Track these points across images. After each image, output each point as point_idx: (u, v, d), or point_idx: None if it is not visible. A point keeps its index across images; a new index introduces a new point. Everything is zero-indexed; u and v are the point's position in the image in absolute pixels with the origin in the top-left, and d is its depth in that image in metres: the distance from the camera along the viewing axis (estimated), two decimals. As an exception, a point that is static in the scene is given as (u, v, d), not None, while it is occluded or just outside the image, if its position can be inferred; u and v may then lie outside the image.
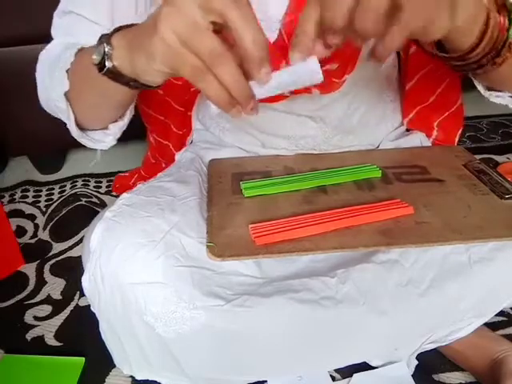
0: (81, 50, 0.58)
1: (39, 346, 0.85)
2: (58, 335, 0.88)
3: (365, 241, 0.56)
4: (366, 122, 0.75)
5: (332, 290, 0.64)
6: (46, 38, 1.13)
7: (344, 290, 0.64)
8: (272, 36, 0.62)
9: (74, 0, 0.66)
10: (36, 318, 0.92)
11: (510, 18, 0.48)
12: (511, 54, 0.49)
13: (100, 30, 0.57)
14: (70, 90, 0.58)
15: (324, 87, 0.64)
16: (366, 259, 0.65)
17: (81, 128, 0.64)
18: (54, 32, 0.70)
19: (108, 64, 0.48)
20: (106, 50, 0.48)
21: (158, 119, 0.81)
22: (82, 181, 1.33)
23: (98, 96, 0.57)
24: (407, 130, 0.83)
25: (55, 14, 0.69)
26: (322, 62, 0.62)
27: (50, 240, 1.12)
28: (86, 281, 0.64)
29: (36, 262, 1.05)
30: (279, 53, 0.61)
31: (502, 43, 0.49)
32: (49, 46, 0.67)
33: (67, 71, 0.57)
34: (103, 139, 0.66)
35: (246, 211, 0.63)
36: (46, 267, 1.04)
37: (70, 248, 1.09)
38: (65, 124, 0.63)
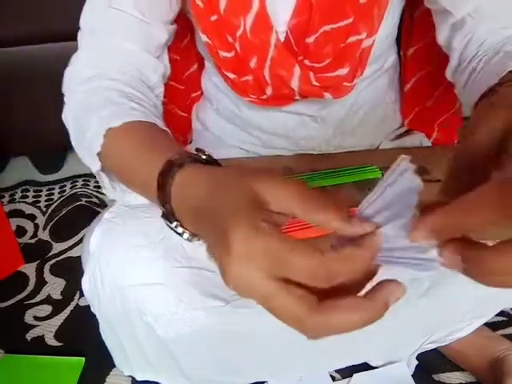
0: (111, 129, 0.48)
1: (39, 346, 0.86)
2: (58, 335, 0.88)
3: None
4: (367, 123, 0.75)
5: (332, 291, 0.64)
6: (47, 39, 1.13)
7: (344, 292, 0.64)
8: (280, 37, 0.62)
9: None
10: (36, 318, 0.92)
11: None
12: None
13: (135, 22, 0.56)
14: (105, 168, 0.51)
15: (336, 91, 0.64)
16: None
17: None
18: (80, 37, 0.60)
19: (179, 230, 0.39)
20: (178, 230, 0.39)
21: None
22: (82, 181, 1.33)
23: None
24: (407, 131, 0.83)
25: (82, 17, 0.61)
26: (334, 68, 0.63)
27: (50, 240, 1.12)
28: (85, 283, 0.64)
29: (36, 262, 1.05)
30: (288, 52, 0.62)
31: None
32: (75, 65, 0.59)
33: (98, 154, 0.49)
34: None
35: None
36: (46, 267, 1.04)
37: (70, 248, 1.09)
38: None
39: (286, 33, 0.62)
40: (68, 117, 0.56)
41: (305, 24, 0.60)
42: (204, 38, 0.63)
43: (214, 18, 0.61)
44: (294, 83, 0.62)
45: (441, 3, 0.57)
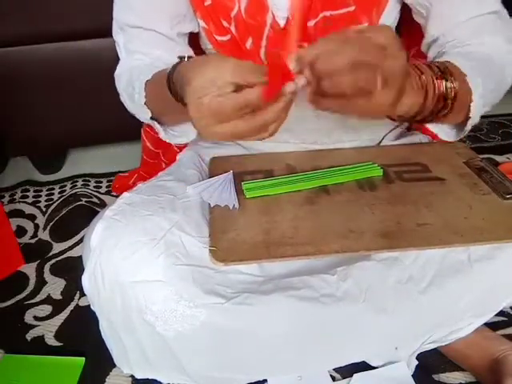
0: (148, 81, 0.64)
1: (39, 346, 0.85)
2: (58, 335, 0.88)
3: (366, 244, 0.56)
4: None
5: (332, 287, 0.64)
6: (47, 39, 1.13)
7: (344, 288, 0.64)
8: (281, 22, 0.64)
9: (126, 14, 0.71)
10: (36, 318, 0.91)
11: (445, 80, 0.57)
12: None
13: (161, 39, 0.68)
14: (152, 112, 0.65)
15: None
16: (367, 257, 0.65)
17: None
18: (117, 50, 0.75)
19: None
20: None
21: None
22: (82, 181, 1.33)
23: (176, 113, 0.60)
24: (408, 130, 0.83)
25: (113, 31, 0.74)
26: None
27: (50, 240, 1.12)
28: (86, 279, 0.64)
29: (36, 262, 1.05)
30: (289, 36, 0.62)
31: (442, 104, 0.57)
32: (118, 70, 0.74)
33: (145, 103, 0.64)
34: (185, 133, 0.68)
35: (248, 213, 0.63)
36: (46, 267, 1.04)
37: (70, 248, 1.09)
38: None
39: (288, 18, 0.63)
40: (123, 97, 0.72)
41: (307, 9, 0.62)
42: (201, 22, 0.68)
43: (207, 3, 0.65)
44: None
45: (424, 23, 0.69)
